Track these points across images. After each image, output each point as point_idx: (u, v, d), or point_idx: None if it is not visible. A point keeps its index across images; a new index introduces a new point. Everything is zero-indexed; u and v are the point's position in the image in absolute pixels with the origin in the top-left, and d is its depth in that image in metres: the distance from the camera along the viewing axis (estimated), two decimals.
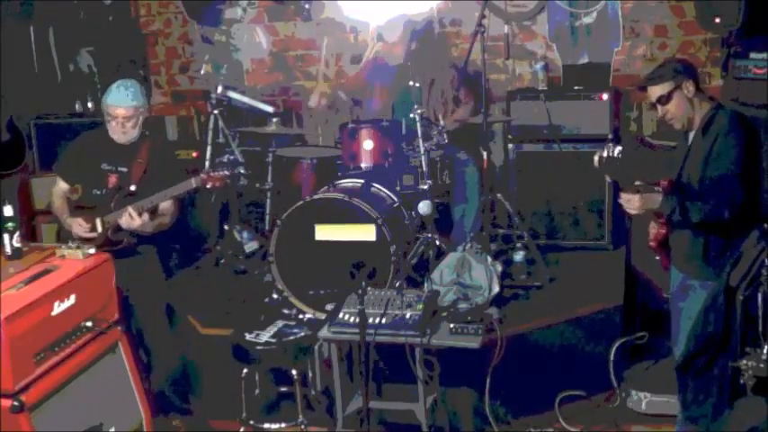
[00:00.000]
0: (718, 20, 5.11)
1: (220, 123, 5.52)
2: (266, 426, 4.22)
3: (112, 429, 3.37)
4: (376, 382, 4.03)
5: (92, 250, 3.51)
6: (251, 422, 4.19)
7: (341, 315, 3.81)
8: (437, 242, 4.75)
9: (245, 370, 4.14)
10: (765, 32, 4.87)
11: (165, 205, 4.27)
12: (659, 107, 3.57)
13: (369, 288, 3.80)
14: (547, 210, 5.58)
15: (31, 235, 5.58)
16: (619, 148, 3.60)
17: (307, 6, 6.25)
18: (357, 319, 3.52)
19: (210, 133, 5.48)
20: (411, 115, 4.73)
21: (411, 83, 4.92)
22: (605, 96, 5.47)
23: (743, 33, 4.97)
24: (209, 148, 5.44)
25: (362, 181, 4.76)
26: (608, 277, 5.02)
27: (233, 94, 5.63)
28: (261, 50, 6.42)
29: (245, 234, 5.54)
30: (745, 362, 2.95)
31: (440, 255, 4.65)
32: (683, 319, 3.59)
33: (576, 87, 5.67)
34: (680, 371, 3.39)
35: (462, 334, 3.76)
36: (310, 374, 4.12)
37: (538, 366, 4.33)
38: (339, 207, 4.50)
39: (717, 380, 3.15)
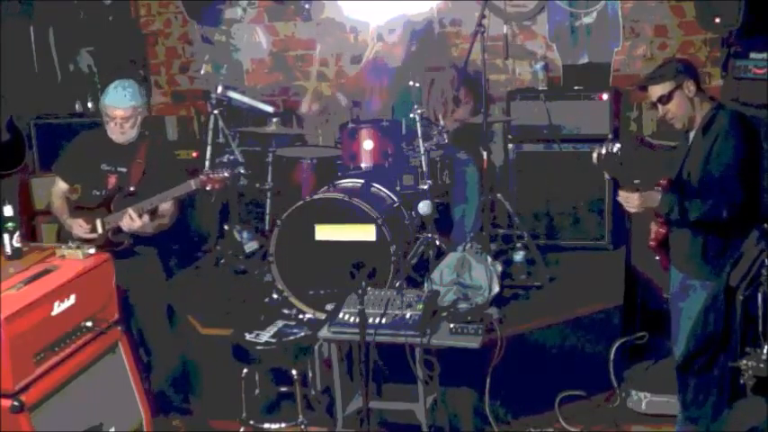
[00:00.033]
0: (718, 20, 5.11)
1: (220, 123, 5.52)
2: (266, 426, 4.22)
3: (112, 429, 3.37)
4: (376, 382, 4.03)
5: (92, 250, 3.51)
6: (251, 422, 4.19)
7: (341, 315, 3.81)
8: (437, 242, 4.75)
9: (245, 370, 4.14)
10: (765, 32, 4.87)
11: (165, 206, 4.27)
12: (660, 107, 3.58)
13: (369, 288, 3.80)
14: (547, 210, 5.58)
15: (31, 235, 5.59)
16: (618, 144, 3.61)
17: (307, 6, 6.25)
18: (357, 319, 3.52)
19: (210, 133, 5.48)
20: (411, 115, 4.73)
21: (411, 83, 4.92)
22: (605, 96, 5.46)
23: (743, 33, 4.97)
24: (209, 148, 5.43)
25: (362, 181, 4.76)
26: (608, 277, 5.02)
27: (233, 94, 5.63)
28: (261, 50, 6.42)
29: (245, 234, 5.54)
30: (745, 362, 2.95)
31: (440, 255, 4.65)
32: (683, 319, 3.59)
33: (575, 87, 5.66)
34: (680, 371, 3.39)
35: (462, 334, 3.77)
36: (310, 374, 4.12)
37: (538, 366, 4.33)
38: (339, 207, 4.50)
39: (717, 380, 3.15)
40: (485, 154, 4.90)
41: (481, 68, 4.83)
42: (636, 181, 3.59)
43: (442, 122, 5.17)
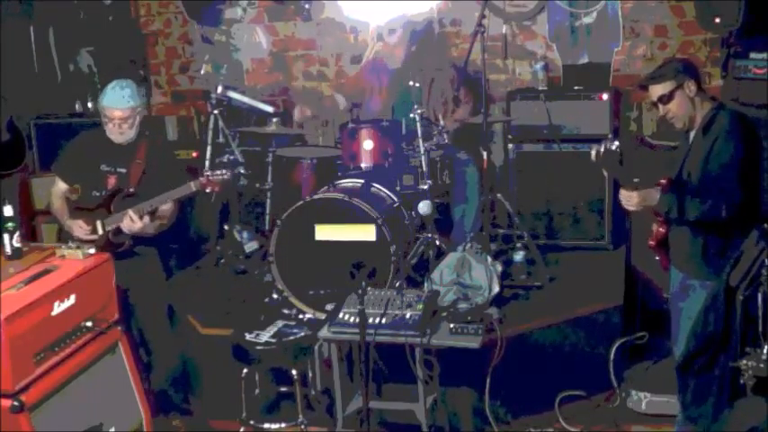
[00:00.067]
0: (718, 20, 5.11)
1: (220, 123, 5.51)
2: (266, 426, 4.22)
3: (112, 429, 3.37)
4: (376, 382, 4.03)
5: (92, 250, 3.52)
6: (251, 422, 4.19)
7: (341, 315, 3.81)
8: (437, 242, 4.75)
9: (245, 370, 4.14)
10: (765, 32, 4.87)
11: (165, 207, 4.27)
12: (660, 106, 3.58)
13: (369, 288, 3.80)
14: (547, 210, 5.58)
15: (31, 235, 5.59)
16: (616, 143, 3.62)
17: (307, 6, 6.25)
18: (357, 319, 3.52)
19: (210, 133, 5.47)
20: (411, 115, 4.73)
21: (411, 83, 4.92)
22: (605, 96, 5.46)
23: (743, 33, 4.97)
24: (209, 148, 5.43)
25: (362, 181, 4.76)
26: (608, 277, 5.02)
27: (233, 94, 5.63)
28: (261, 50, 6.42)
29: (245, 234, 5.54)
30: (745, 362, 2.95)
31: (440, 255, 4.65)
32: (683, 319, 3.59)
33: (576, 87, 5.66)
34: (680, 371, 3.39)
35: (462, 334, 3.77)
36: (310, 374, 4.12)
37: (538, 366, 4.33)
38: (339, 207, 4.50)
39: (717, 380, 3.15)
40: (485, 154, 4.90)
41: (481, 68, 4.84)
42: (635, 180, 3.60)
43: (442, 122, 5.17)
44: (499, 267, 4.55)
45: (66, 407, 3.18)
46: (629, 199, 3.59)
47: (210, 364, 4.54)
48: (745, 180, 3.42)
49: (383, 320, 3.68)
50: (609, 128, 5.42)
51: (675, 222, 3.59)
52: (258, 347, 4.03)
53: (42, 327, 3.08)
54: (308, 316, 4.42)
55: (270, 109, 5.73)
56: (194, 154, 5.81)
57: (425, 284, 4.30)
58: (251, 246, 5.48)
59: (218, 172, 4.16)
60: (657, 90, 3.56)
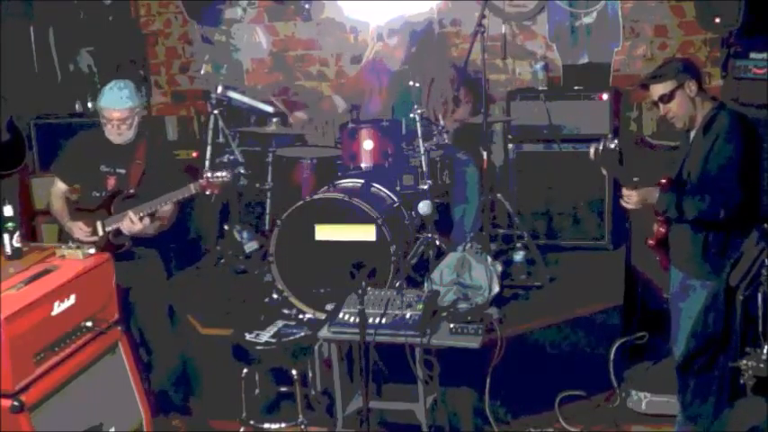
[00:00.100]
0: (718, 20, 5.11)
1: (220, 123, 5.51)
2: (266, 426, 4.22)
3: (112, 429, 3.37)
4: (376, 383, 4.03)
5: (92, 250, 3.51)
6: (251, 422, 4.19)
7: (341, 315, 3.81)
8: (437, 242, 4.75)
9: (245, 370, 4.14)
10: (765, 32, 4.87)
11: (165, 208, 4.27)
12: (661, 106, 3.58)
13: (369, 288, 3.80)
14: (547, 210, 5.58)
15: (31, 235, 5.58)
16: (615, 141, 3.62)
17: (307, 6, 6.25)
18: (357, 319, 3.52)
19: (210, 133, 5.47)
20: (411, 115, 4.73)
21: (411, 83, 4.92)
22: (605, 96, 5.46)
23: (743, 33, 4.97)
24: (209, 148, 5.43)
25: (362, 181, 4.76)
26: (608, 277, 5.02)
27: (233, 94, 5.63)
28: (261, 50, 6.42)
29: (245, 234, 5.53)
30: (745, 362, 2.94)
31: (440, 255, 4.65)
32: (683, 319, 3.59)
33: (576, 87, 5.67)
34: (680, 371, 3.39)
35: (462, 334, 3.77)
36: (310, 374, 4.12)
37: (538, 366, 4.33)
38: (339, 207, 4.50)
39: (717, 380, 3.15)
40: (485, 154, 4.90)
41: (481, 68, 4.84)
42: (635, 179, 3.60)
43: (442, 122, 5.17)
44: (499, 267, 4.55)
45: (66, 407, 3.18)
46: (629, 198, 3.60)
47: (210, 364, 4.54)
48: (744, 180, 3.42)
49: (383, 320, 3.68)
50: (609, 128, 5.42)
51: (674, 221, 3.60)
52: (258, 347, 4.03)
53: (42, 327, 3.08)
54: (308, 316, 4.42)
55: (270, 109, 5.73)
56: (194, 154, 5.81)
57: (425, 284, 4.30)
58: (251, 246, 5.48)
59: (218, 174, 4.15)
60: (658, 89, 3.57)
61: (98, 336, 3.38)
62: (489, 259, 4.48)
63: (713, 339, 3.14)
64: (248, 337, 4.08)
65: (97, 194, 4.31)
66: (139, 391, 3.59)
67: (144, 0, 6.57)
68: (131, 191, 4.26)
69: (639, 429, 4.28)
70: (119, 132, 4.26)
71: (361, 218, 4.44)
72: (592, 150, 3.61)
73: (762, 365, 2.90)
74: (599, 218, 5.48)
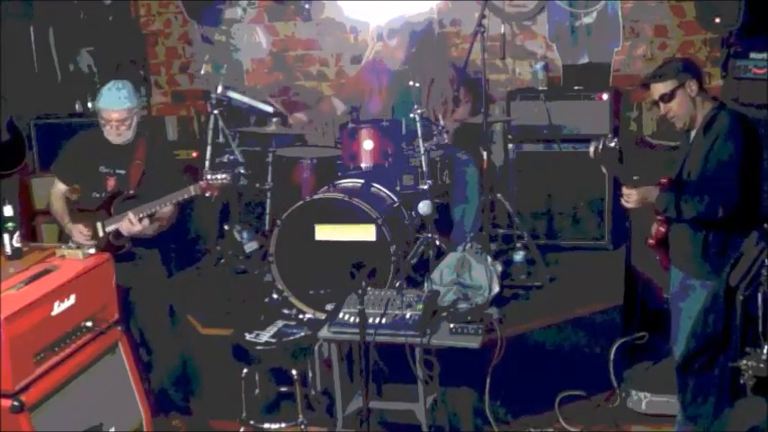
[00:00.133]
0: (718, 20, 5.11)
1: (220, 123, 5.51)
2: (266, 426, 4.22)
3: (112, 429, 3.37)
4: (376, 383, 4.03)
5: (92, 250, 3.51)
6: (251, 422, 4.19)
7: (341, 315, 3.81)
8: (437, 242, 4.75)
9: (245, 370, 4.14)
10: (765, 32, 4.87)
11: (165, 209, 4.26)
12: (662, 105, 3.58)
13: (369, 288, 3.80)
14: (547, 210, 5.58)
15: (31, 235, 5.58)
16: (615, 139, 3.62)
17: (307, 6, 6.25)
18: (357, 319, 3.52)
19: (210, 133, 5.47)
20: (411, 115, 4.73)
21: (411, 83, 4.92)
22: (605, 96, 5.46)
23: (743, 33, 4.97)
24: (209, 148, 5.43)
25: (362, 181, 4.76)
26: (608, 277, 5.02)
27: (233, 94, 5.63)
28: (261, 50, 6.42)
29: (245, 234, 5.53)
30: (745, 362, 2.94)
31: (440, 255, 4.65)
32: (683, 319, 3.59)
33: (576, 87, 5.66)
34: (680, 371, 3.39)
35: (462, 334, 3.77)
36: (310, 374, 4.11)
37: (538, 366, 4.33)
38: (339, 207, 4.50)
39: (717, 380, 3.14)
40: (485, 154, 4.89)
41: (481, 68, 4.84)
42: (635, 177, 3.60)
43: (441, 122, 5.17)
44: (499, 267, 4.55)
45: (66, 407, 3.18)
46: (629, 196, 3.60)
47: (210, 364, 4.54)
48: (743, 180, 3.42)
49: (383, 320, 3.68)
50: (609, 128, 5.42)
51: (674, 221, 3.60)
52: (258, 347, 4.03)
53: (42, 327, 3.08)
54: (308, 316, 4.42)
55: (270, 109, 5.73)
56: (194, 154, 5.81)
57: (425, 284, 4.30)
58: (251, 246, 5.48)
59: (218, 176, 4.15)
60: (659, 88, 3.57)
61: (98, 336, 3.38)
62: (489, 259, 4.48)
63: (713, 339, 3.14)
64: (248, 337, 4.09)
65: (97, 195, 4.30)
66: (139, 391, 3.59)
67: (144, 0, 6.57)
68: (131, 192, 4.25)
69: (639, 429, 4.28)
70: (118, 133, 4.25)
71: (361, 218, 4.44)
72: (591, 149, 3.61)
73: (762, 365, 2.90)
74: (599, 218, 5.48)
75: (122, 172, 4.30)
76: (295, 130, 5.73)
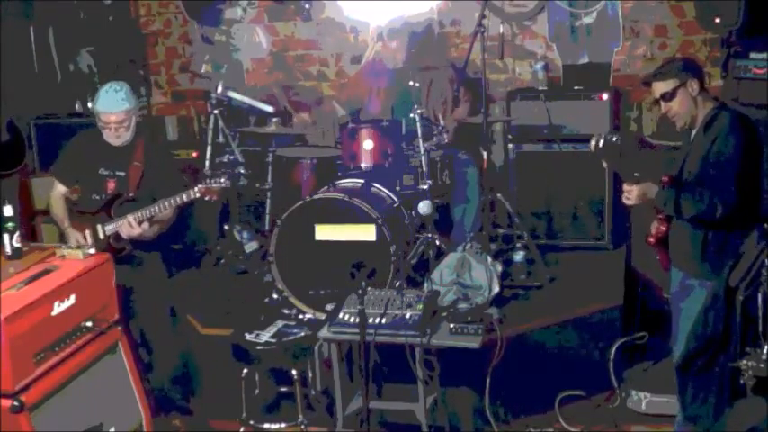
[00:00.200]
0: (718, 20, 5.11)
1: (220, 123, 5.51)
2: (266, 426, 4.22)
3: (112, 429, 3.37)
4: (376, 383, 4.03)
5: (92, 250, 3.52)
6: (251, 422, 4.19)
7: (341, 315, 3.81)
8: (437, 242, 4.75)
9: (245, 370, 4.14)
10: (765, 32, 4.87)
11: (164, 212, 4.25)
12: (662, 104, 3.58)
13: (369, 288, 3.80)
14: (547, 210, 5.58)
15: (31, 235, 5.57)
16: (617, 134, 3.62)
17: (307, 6, 6.25)
18: (357, 319, 3.52)
19: (210, 133, 5.47)
20: (411, 115, 4.73)
21: (411, 83, 4.92)
22: (605, 96, 5.46)
23: (743, 33, 4.97)
24: (209, 148, 5.43)
25: (362, 181, 4.76)
26: (608, 277, 5.01)
27: (233, 94, 5.63)
28: (261, 50, 6.42)
29: (245, 234, 5.54)
30: (745, 362, 2.94)
31: (440, 255, 4.65)
32: (683, 319, 3.59)
33: (575, 87, 5.67)
34: (680, 371, 3.39)
35: (462, 334, 3.77)
36: (310, 374, 4.12)
37: (538, 366, 4.33)
38: (339, 207, 4.50)
39: (717, 380, 3.15)
40: (485, 154, 4.90)
41: (481, 68, 4.83)
42: (636, 174, 3.60)
43: (441, 122, 5.17)
44: (499, 267, 4.55)
45: (66, 407, 3.18)
46: (630, 193, 3.60)
47: (210, 363, 4.54)
48: (743, 180, 3.42)
49: (383, 320, 3.68)
50: (609, 128, 5.41)
51: (673, 218, 3.60)
52: (258, 347, 4.03)
53: (42, 327, 3.08)
54: (308, 316, 4.42)
55: (270, 109, 5.74)
56: (194, 154, 5.80)
57: (425, 284, 4.30)
58: (251, 246, 5.48)
59: (218, 181, 4.16)
60: (660, 87, 3.57)
61: (98, 336, 3.38)
62: (489, 259, 4.48)
63: (713, 339, 3.15)
64: (248, 337, 4.09)
65: (97, 197, 4.30)
66: (139, 391, 3.59)
67: (144, 0, 6.57)
68: (131, 195, 4.25)
69: (639, 429, 4.28)
70: (117, 135, 4.24)
71: (361, 218, 4.44)
72: (593, 143, 3.60)
73: (762, 365, 2.90)
74: (599, 218, 5.48)
75: (122, 174, 4.30)
76: (295, 130, 5.73)
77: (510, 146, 5.64)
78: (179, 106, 6.68)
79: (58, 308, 3.16)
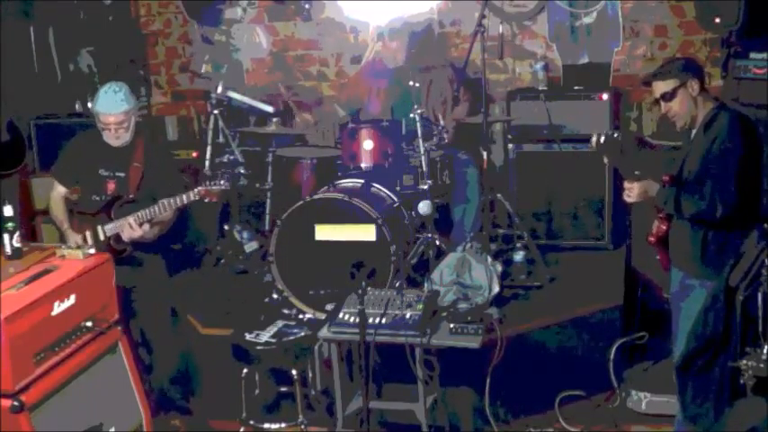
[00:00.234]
0: (718, 20, 5.11)
1: (220, 123, 5.51)
2: (266, 426, 4.22)
3: (112, 429, 3.37)
4: (376, 383, 4.03)
5: (92, 250, 3.51)
6: (251, 422, 4.19)
7: (341, 315, 3.81)
8: (437, 242, 4.75)
9: (245, 370, 4.14)
10: (765, 32, 4.87)
11: (164, 213, 4.25)
12: (663, 104, 3.58)
13: (369, 288, 3.80)
14: (547, 210, 5.58)
15: (31, 235, 5.58)
16: (618, 130, 3.62)
17: (307, 6, 6.25)
18: (357, 319, 3.52)
19: (210, 133, 5.47)
20: (411, 115, 4.73)
21: (411, 83, 4.92)
22: (605, 96, 5.46)
23: (743, 33, 4.97)
24: (209, 148, 5.43)
25: (362, 181, 4.76)
26: (608, 277, 5.01)
27: (233, 94, 5.63)
28: (261, 50, 6.42)
29: (245, 234, 5.54)
30: (745, 362, 2.94)
31: (440, 255, 4.65)
32: (683, 319, 3.59)
33: (575, 87, 5.67)
34: (680, 371, 3.39)
35: (462, 334, 3.77)
36: (310, 374, 4.12)
37: (538, 366, 4.33)
38: (339, 207, 4.50)
39: (717, 380, 3.14)
40: (485, 154, 4.90)
41: (481, 68, 4.83)
42: (636, 172, 3.60)
43: (441, 122, 5.17)
44: (499, 267, 4.55)
45: (66, 407, 3.18)
46: (630, 191, 3.61)
47: (210, 364, 4.54)
48: (743, 180, 3.42)
49: (383, 320, 3.68)
50: (609, 128, 5.41)
51: (673, 217, 3.60)
52: (258, 347, 4.03)
53: (42, 327, 3.08)
54: (308, 316, 4.42)
55: (270, 109, 5.74)
56: (194, 154, 5.80)
57: (425, 284, 4.30)
58: (251, 246, 5.48)
59: (218, 183, 4.16)
60: (660, 87, 3.57)
61: (98, 336, 3.38)
62: (489, 259, 4.48)
63: (713, 339, 3.14)
64: (248, 337, 4.09)
65: (97, 198, 4.30)
66: (139, 391, 3.59)
67: (144, 0, 6.57)
68: (131, 196, 4.25)
69: (639, 429, 4.28)
70: (116, 136, 4.24)
71: (361, 218, 4.44)
72: (594, 139, 3.60)
73: (762, 365, 2.90)
74: (599, 218, 5.48)
75: (122, 174, 4.30)
76: (295, 130, 5.73)
77: (510, 146, 5.64)
78: (179, 106, 6.68)
79: (57, 308, 3.16)
